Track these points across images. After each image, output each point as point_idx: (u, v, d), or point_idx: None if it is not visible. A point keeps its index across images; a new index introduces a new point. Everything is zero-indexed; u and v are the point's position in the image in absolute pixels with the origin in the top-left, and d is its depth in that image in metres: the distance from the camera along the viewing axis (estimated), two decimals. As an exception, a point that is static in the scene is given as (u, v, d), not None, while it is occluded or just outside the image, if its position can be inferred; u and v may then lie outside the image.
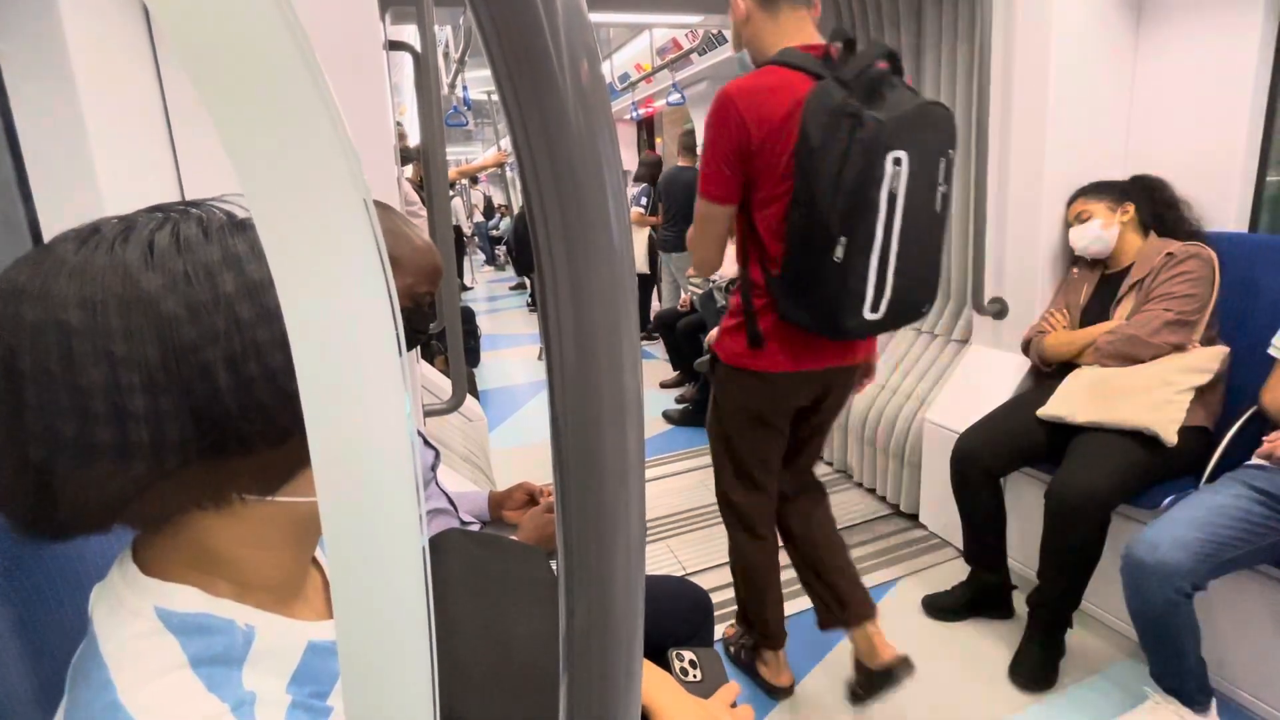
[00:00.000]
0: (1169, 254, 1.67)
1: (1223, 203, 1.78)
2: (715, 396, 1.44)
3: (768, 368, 1.29)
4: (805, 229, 1.12)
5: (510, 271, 9.33)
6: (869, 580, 2.01)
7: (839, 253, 1.08)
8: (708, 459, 3.03)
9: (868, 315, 1.13)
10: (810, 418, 1.42)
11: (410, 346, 1.27)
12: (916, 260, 1.14)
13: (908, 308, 1.18)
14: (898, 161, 1.04)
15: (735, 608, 1.69)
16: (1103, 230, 1.76)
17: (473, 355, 4.24)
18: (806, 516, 1.53)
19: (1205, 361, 1.58)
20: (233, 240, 0.37)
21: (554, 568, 0.75)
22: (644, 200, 4.89)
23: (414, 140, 4.39)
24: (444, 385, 2.25)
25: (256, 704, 0.38)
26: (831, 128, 1.05)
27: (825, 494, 1.56)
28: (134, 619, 0.38)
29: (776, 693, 1.62)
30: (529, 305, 7.11)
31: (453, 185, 7.04)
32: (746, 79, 1.14)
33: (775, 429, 1.39)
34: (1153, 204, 1.79)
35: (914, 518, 2.35)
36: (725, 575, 2.07)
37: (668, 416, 3.50)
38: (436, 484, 1.20)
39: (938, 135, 1.11)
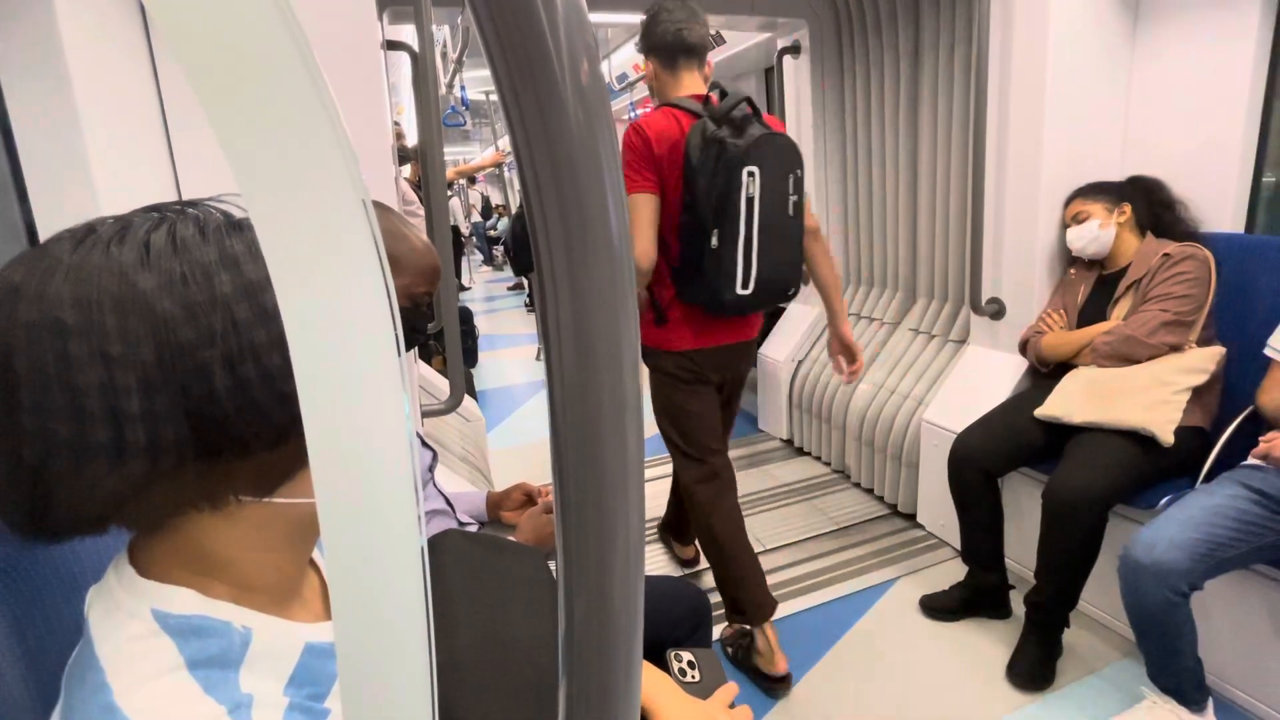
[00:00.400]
0: (1166, 255, 1.67)
1: (1219, 203, 1.78)
2: (651, 383, 1.71)
3: (679, 346, 1.61)
4: (691, 226, 1.48)
5: (508, 271, 9.32)
6: (867, 580, 2.02)
7: (714, 241, 1.45)
8: (706, 459, 3.00)
9: (739, 291, 1.47)
10: (720, 391, 1.74)
11: (408, 347, 1.26)
12: (775, 250, 1.49)
13: (773, 287, 1.52)
14: (751, 174, 1.40)
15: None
16: (1100, 231, 1.77)
17: (470, 355, 4.24)
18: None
19: (1202, 362, 1.58)
20: (230, 241, 0.37)
21: (552, 568, 0.75)
22: None
23: (412, 140, 4.39)
24: (442, 385, 2.25)
25: (254, 706, 0.38)
26: (705, 151, 1.42)
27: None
28: (130, 621, 0.38)
29: (775, 684, 1.62)
30: (527, 305, 7.11)
31: (450, 185, 7.04)
32: (649, 115, 1.52)
33: (704, 390, 1.67)
34: (1150, 204, 1.80)
35: (912, 518, 2.35)
36: (723, 575, 2.08)
37: None
38: (434, 485, 1.19)
39: (784, 157, 1.47)
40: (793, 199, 1.50)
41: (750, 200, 1.41)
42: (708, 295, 1.49)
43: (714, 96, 1.50)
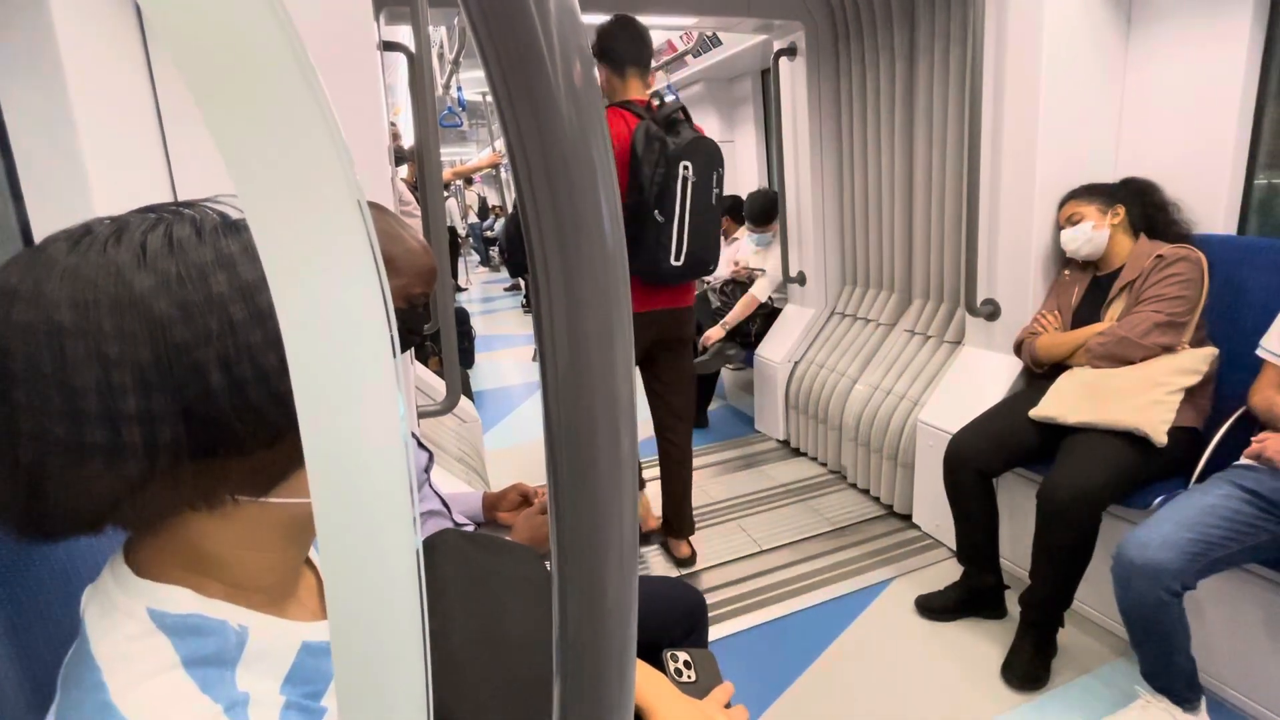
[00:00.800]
0: (1159, 256, 1.68)
1: (1212, 205, 1.79)
2: None
3: None
4: (635, 206, 1.78)
5: (504, 272, 9.31)
6: (863, 580, 2.03)
7: (658, 216, 1.78)
8: (703, 460, 3.05)
9: (674, 262, 1.82)
10: (658, 360, 2.05)
11: (405, 348, 1.26)
12: (701, 232, 1.85)
13: (698, 262, 1.88)
14: (686, 167, 1.77)
15: (732, 607, 1.81)
16: (1094, 232, 1.78)
17: (467, 356, 4.23)
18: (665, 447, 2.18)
19: (1194, 363, 1.59)
20: (226, 241, 0.37)
21: (549, 568, 0.75)
22: None
23: (409, 141, 4.38)
24: (438, 386, 2.25)
25: (250, 704, 0.38)
26: (649, 146, 1.75)
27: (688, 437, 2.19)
28: (126, 620, 0.38)
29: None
30: (523, 306, 7.10)
31: (447, 186, 7.03)
32: (609, 113, 1.85)
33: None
34: (1143, 206, 1.81)
35: (907, 518, 2.35)
36: (721, 576, 2.09)
37: None
38: (430, 486, 1.19)
39: (708, 157, 1.82)
40: (715, 192, 1.85)
41: (685, 187, 1.78)
42: (648, 265, 1.83)
43: (654, 103, 1.86)
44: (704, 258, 1.89)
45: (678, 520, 2.17)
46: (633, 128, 1.77)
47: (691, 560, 2.17)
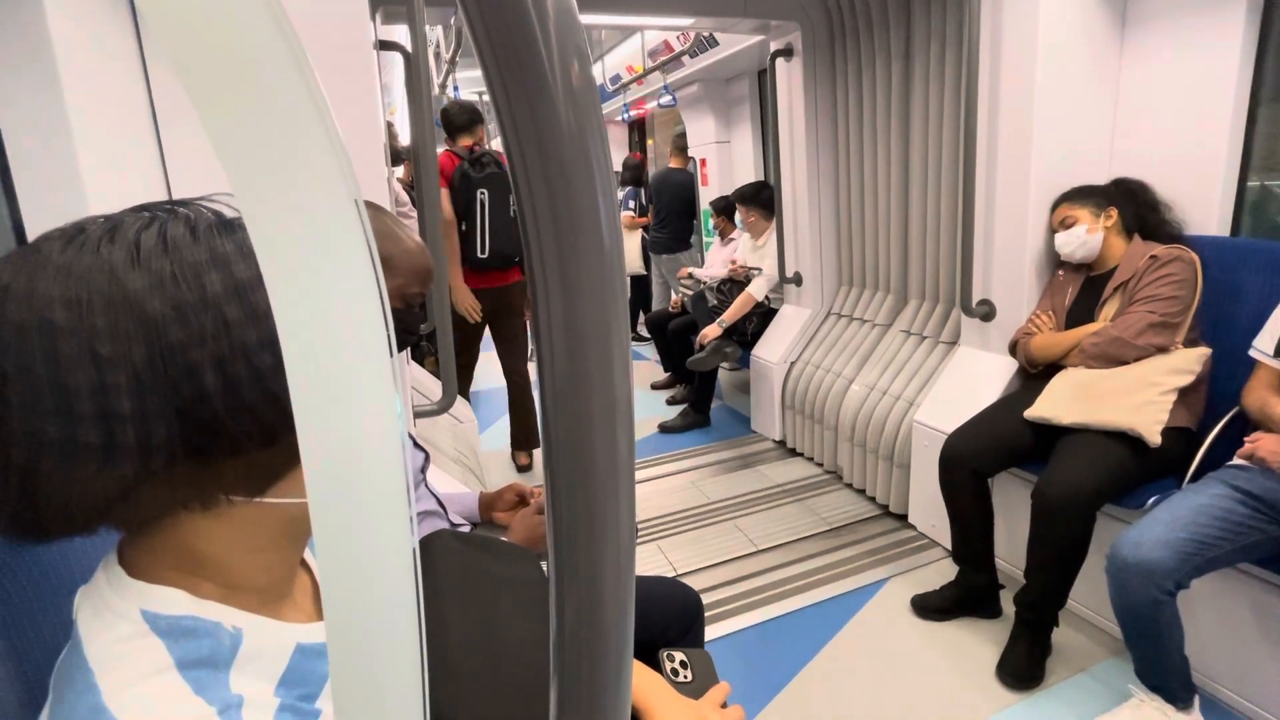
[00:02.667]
0: (1152, 257, 1.69)
1: (1205, 206, 1.80)
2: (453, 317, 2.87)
3: (470, 286, 2.80)
4: (459, 217, 2.66)
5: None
6: (859, 580, 2.03)
7: (464, 226, 2.66)
8: (699, 460, 3.06)
9: (480, 255, 2.67)
10: (496, 323, 2.86)
11: (401, 348, 1.26)
12: (501, 236, 2.67)
13: (499, 256, 2.69)
14: (482, 193, 2.63)
15: (728, 607, 1.84)
16: (1087, 235, 1.78)
17: (463, 356, 4.20)
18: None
19: (1188, 363, 1.60)
20: (220, 241, 0.37)
21: (545, 569, 0.75)
22: (630, 204, 4.90)
23: (405, 140, 4.37)
24: (434, 386, 2.24)
25: (244, 707, 0.38)
26: (463, 180, 2.63)
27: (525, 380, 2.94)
28: (119, 622, 0.38)
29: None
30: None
31: (443, 185, 6.99)
32: (442, 156, 2.67)
33: (475, 323, 2.78)
34: (1135, 207, 1.82)
35: (903, 518, 2.36)
36: (717, 576, 2.09)
37: (664, 428, 3.42)
38: (426, 486, 1.19)
39: (503, 185, 2.65)
40: (514, 207, 2.46)
41: (482, 207, 2.63)
42: (470, 255, 2.67)
43: (477, 148, 2.70)
44: (504, 254, 2.69)
45: (525, 436, 2.99)
46: (455, 165, 2.64)
47: (529, 468, 2.99)
